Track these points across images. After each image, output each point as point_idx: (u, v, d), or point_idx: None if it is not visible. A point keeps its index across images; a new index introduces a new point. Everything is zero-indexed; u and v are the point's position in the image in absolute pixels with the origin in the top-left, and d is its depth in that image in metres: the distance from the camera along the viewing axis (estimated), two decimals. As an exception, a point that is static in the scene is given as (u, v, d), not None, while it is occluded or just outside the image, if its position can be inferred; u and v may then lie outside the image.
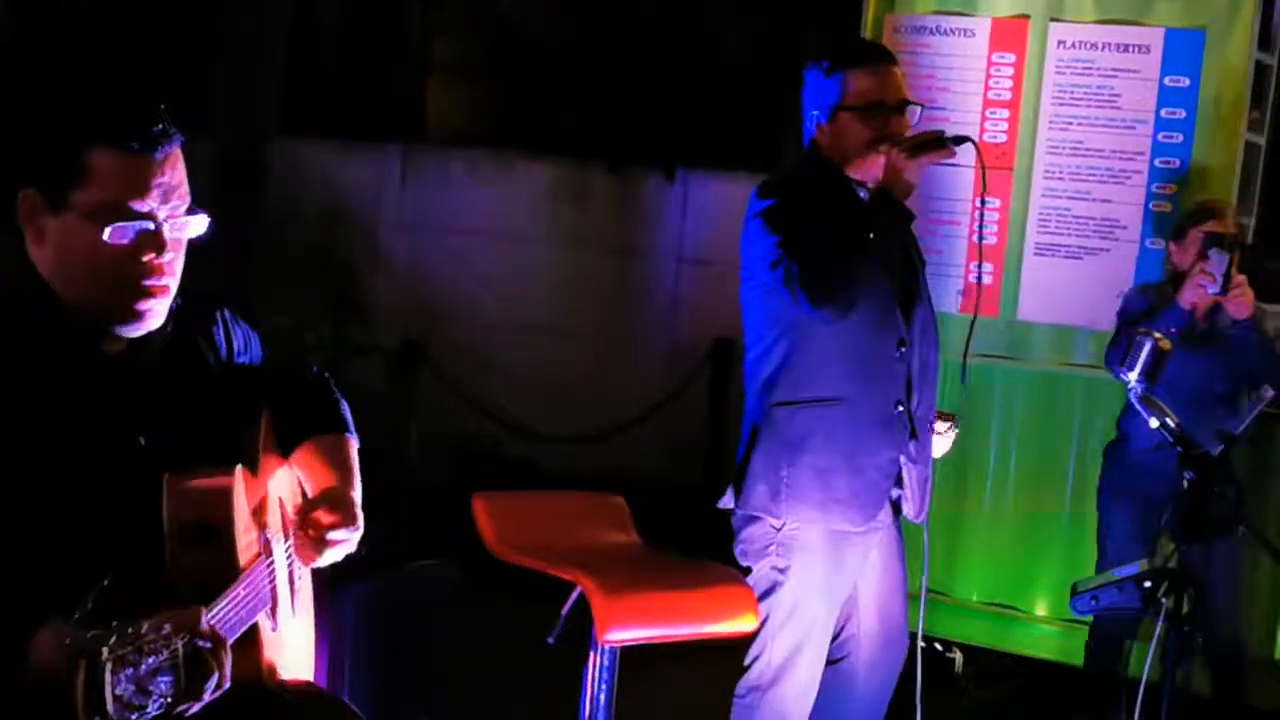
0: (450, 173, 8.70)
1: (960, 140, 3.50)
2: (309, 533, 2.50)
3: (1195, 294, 4.45)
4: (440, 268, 8.61)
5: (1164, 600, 3.25)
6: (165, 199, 2.27)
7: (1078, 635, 5.16)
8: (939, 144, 3.47)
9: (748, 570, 3.63)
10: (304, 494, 2.64)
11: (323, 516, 2.50)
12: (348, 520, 2.50)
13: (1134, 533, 4.63)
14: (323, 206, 8.89)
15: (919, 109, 3.57)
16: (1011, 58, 5.36)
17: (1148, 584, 3.29)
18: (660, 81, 8.37)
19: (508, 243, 8.46)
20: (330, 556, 2.52)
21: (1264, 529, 4.72)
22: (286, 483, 2.64)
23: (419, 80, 9.21)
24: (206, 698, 2.06)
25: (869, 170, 3.52)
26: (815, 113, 3.55)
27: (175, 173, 2.29)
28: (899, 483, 3.63)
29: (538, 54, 8.78)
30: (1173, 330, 4.31)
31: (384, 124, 8.92)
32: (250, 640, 2.33)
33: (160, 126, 2.27)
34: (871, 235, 3.39)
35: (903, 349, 3.54)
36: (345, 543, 2.51)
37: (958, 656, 5.20)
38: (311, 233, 8.73)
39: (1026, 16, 5.33)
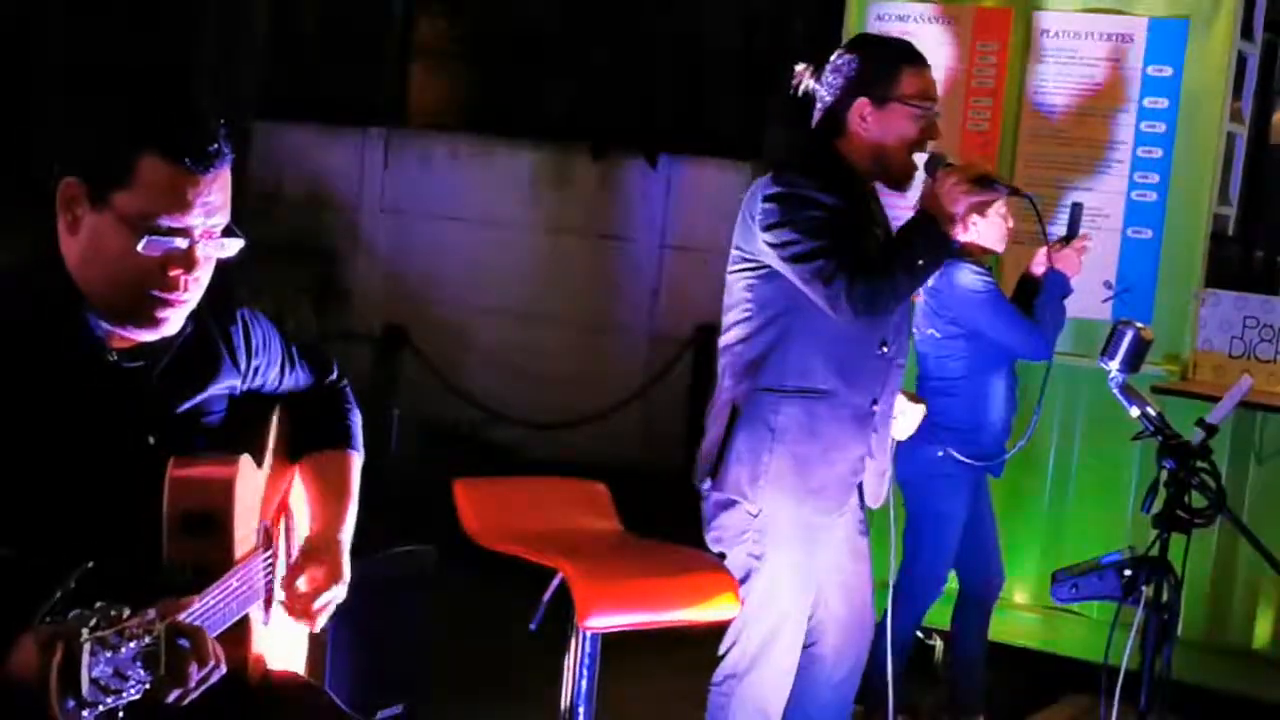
0: (432, 157, 8.67)
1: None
2: (298, 598, 2.50)
3: None
4: (422, 252, 8.58)
5: (1144, 588, 3.27)
6: (205, 217, 2.25)
7: (1057, 623, 5.19)
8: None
9: (721, 556, 3.64)
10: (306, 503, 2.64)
11: (310, 579, 2.50)
12: (332, 577, 2.51)
13: None
14: (304, 191, 8.86)
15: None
16: (995, 46, 5.37)
17: (1128, 572, 3.31)
18: (643, 67, 8.34)
19: (490, 228, 8.44)
20: (323, 618, 2.53)
21: (1242, 517, 4.73)
22: (289, 481, 2.64)
23: (401, 64, 9.17)
24: (193, 683, 2.05)
25: (895, 166, 3.53)
26: (862, 98, 3.51)
27: (220, 193, 2.27)
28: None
29: (520, 39, 8.75)
30: None
31: (366, 108, 8.88)
32: (240, 632, 2.32)
33: (216, 146, 2.25)
34: (920, 261, 3.41)
35: (884, 349, 3.58)
36: (335, 600, 2.52)
37: (937, 644, 5.21)
38: (293, 217, 8.69)
39: (1010, 5, 5.34)
